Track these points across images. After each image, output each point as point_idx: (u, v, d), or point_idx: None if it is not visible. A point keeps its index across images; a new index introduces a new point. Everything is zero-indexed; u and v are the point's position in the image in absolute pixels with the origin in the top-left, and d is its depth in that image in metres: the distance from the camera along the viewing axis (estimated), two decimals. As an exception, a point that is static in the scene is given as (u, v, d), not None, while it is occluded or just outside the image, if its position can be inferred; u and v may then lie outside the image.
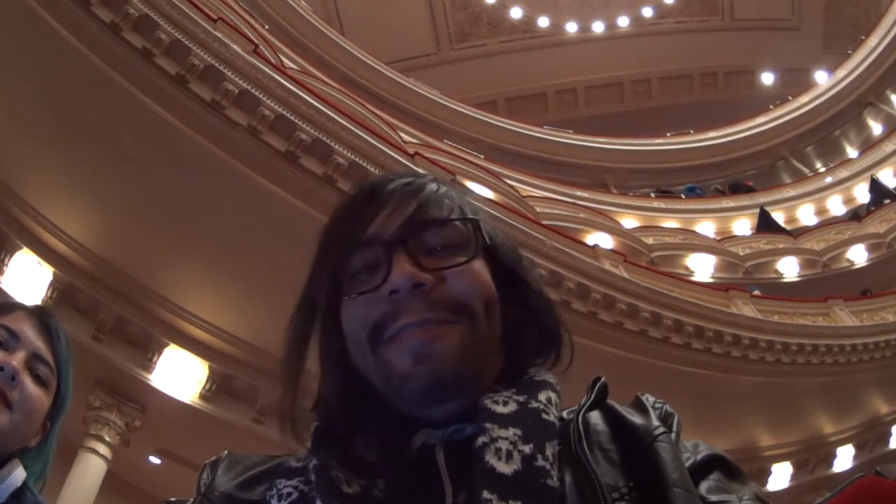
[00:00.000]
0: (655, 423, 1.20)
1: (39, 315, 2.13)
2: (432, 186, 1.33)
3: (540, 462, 1.08)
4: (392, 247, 1.23)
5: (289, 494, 1.17)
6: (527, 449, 1.09)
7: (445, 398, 1.19)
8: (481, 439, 1.11)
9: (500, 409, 1.16)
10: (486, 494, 1.03)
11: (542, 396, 1.20)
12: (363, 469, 1.17)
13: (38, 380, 2.03)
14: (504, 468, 1.07)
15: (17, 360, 1.98)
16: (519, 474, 1.06)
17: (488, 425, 1.13)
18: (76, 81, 9.69)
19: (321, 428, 1.25)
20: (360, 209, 1.30)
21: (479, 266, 1.26)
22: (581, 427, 1.17)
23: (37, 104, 9.93)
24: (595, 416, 1.23)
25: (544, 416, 1.16)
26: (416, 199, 1.29)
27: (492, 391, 1.21)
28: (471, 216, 1.32)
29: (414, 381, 1.17)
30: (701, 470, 1.19)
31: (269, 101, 10.69)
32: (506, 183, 20.79)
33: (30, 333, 2.05)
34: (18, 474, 1.93)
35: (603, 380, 1.29)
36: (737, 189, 28.53)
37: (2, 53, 9.54)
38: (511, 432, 1.11)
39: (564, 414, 1.23)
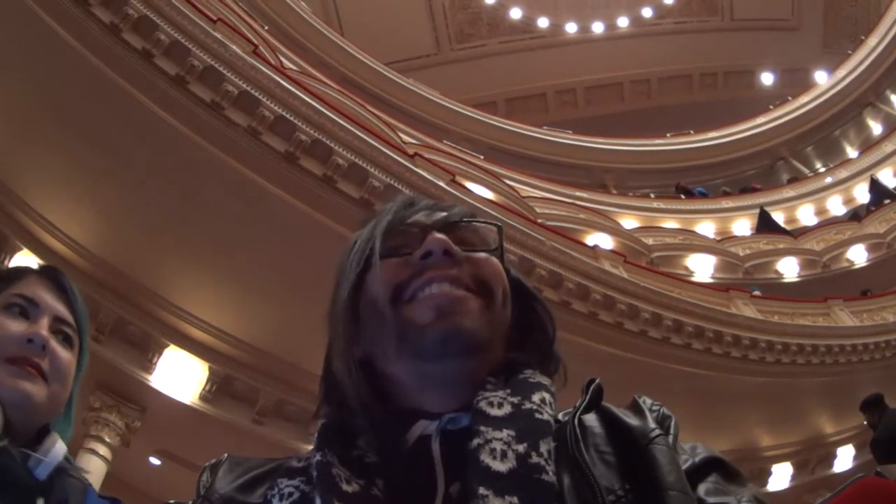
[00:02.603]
0: (652, 425, 1.20)
1: (50, 275, 2.10)
2: (461, 208, 1.41)
3: (535, 459, 1.08)
4: (427, 230, 1.30)
5: (290, 494, 1.18)
6: (521, 448, 1.10)
7: (462, 350, 1.20)
8: (476, 441, 1.11)
9: (495, 411, 1.16)
10: (482, 490, 1.04)
11: (536, 397, 1.20)
12: (363, 469, 1.18)
13: (65, 343, 2.00)
14: (499, 466, 1.07)
15: (42, 327, 1.95)
16: (514, 471, 1.06)
17: (482, 428, 1.13)
18: (75, 82, 9.69)
19: (327, 426, 1.26)
20: (396, 211, 1.36)
21: (499, 264, 1.32)
22: (577, 429, 1.17)
23: (36, 105, 9.92)
24: (591, 419, 1.23)
25: (538, 415, 1.16)
26: (449, 209, 1.37)
27: (485, 389, 1.21)
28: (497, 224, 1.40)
29: (434, 329, 1.20)
30: (699, 472, 1.18)
31: (268, 102, 10.70)
32: (505, 183, 20.82)
33: (47, 297, 2.02)
34: (60, 447, 1.90)
35: (597, 381, 1.28)
36: (745, 192, 28.58)
37: (1, 54, 9.56)
38: (505, 433, 1.12)
39: (560, 416, 1.23)
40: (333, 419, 1.28)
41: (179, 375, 11.70)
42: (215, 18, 11.23)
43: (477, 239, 1.34)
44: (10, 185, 10.56)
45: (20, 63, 9.57)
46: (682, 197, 28.20)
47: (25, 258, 10.74)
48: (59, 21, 9.37)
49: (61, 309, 2.03)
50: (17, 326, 1.93)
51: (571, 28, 36.23)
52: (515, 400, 1.19)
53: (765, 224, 25.18)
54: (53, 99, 9.85)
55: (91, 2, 9.60)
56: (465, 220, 1.35)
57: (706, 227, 25.87)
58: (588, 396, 1.25)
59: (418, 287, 1.24)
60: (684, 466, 1.17)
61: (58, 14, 9.35)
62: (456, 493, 1.12)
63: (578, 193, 25.13)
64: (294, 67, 17.55)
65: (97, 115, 9.90)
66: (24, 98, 9.90)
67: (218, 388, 11.89)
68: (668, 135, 32.05)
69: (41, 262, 10.53)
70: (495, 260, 1.31)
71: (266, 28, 21.01)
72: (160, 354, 11.61)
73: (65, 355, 1.98)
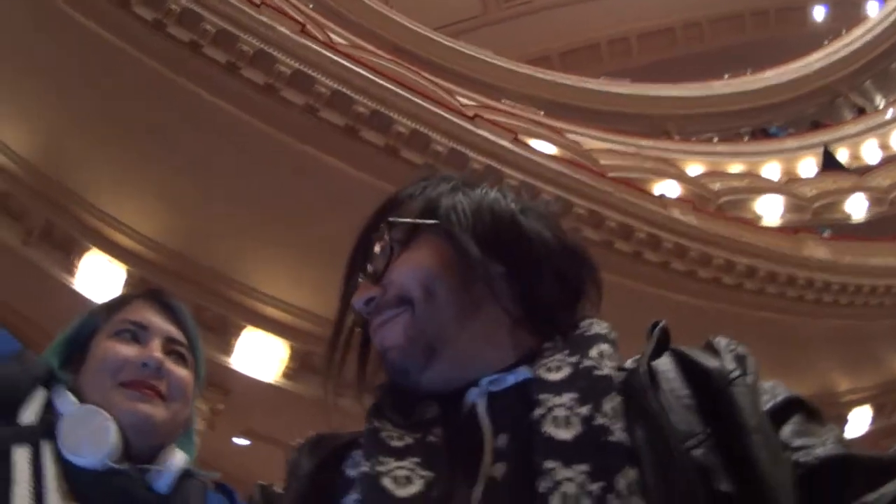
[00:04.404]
0: (730, 365, 1.16)
1: (156, 298, 2.11)
2: (409, 191, 1.42)
3: (600, 420, 1.07)
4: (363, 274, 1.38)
5: (360, 463, 1.19)
6: (584, 410, 1.08)
7: (412, 369, 1.26)
8: (537, 412, 1.11)
9: (553, 375, 1.16)
10: (548, 464, 1.03)
11: (594, 352, 1.19)
12: (420, 425, 1.20)
13: (179, 361, 2.01)
14: (564, 434, 1.06)
15: (155, 349, 1.95)
16: (580, 437, 1.05)
17: (542, 396, 1.13)
18: (128, 82, 9.91)
19: (383, 395, 1.30)
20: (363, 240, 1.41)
21: (413, 253, 1.32)
22: (648, 376, 1.14)
23: (93, 109, 10.15)
24: (664, 363, 1.19)
25: (597, 371, 1.15)
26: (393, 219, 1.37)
27: (544, 355, 1.21)
28: (413, 212, 1.37)
29: (387, 367, 1.30)
30: (780, 413, 1.15)
31: (323, 79, 10.76)
32: (567, 138, 20.69)
33: (156, 319, 2.03)
34: (180, 456, 1.93)
35: (663, 323, 1.27)
36: (815, 127, 28.14)
37: (52, 65, 9.81)
38: (566, 398, 1.11)
39: (629, 363, 1.21)
40: (385, 392, 1.31)
41: (259, 355, 11.86)
42: (259, 2, 11.26)
43: (391, 244, 1.34)
44: (72, 188, 10.75)
45: (75, 72, 9.86)
46: (746, 139, 27.91)
47: (95, 257, 10.93)
48: (104, 26, 9.62)
49: (171, 329, 2.04)
50: (129, 351, 1.93)
51: (619, -25, 35.74)
52: (574, 359, 1.18)
53: (828, 163, 24.82)
54: (109, 101, 10.05)
55: (132, 2, 9.75)
56: (377, 239, 1.37)
57: (772, 168, 25.61)
58: (655, 340, 1.23)
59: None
60: (765, 408, 1.14)
61: (101, 19, 9.62)
62: (504, 444, 1.13)
63: (642, 142, 24.95)
64: (344, 42, 17.57)
65: (152, 110, 10.10)
66: (81, 105, 10.14)
67: (300, 365, 11.99)
68: (726, 76, 31.61)
69: (111, 259, 10.76)
70: (406, 258, 1.32)
71: (311, 6, 21.00)
72: (238, 336, 11.76)
73: (181, 373, 1.99)
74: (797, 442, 1.12)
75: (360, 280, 1.35)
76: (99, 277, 10.86)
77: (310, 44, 11.13)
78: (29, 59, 9.88)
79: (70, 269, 10.84)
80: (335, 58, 11.17)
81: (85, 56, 9.81)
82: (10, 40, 9.74)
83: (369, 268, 1.34)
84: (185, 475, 1.92)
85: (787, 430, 1.13)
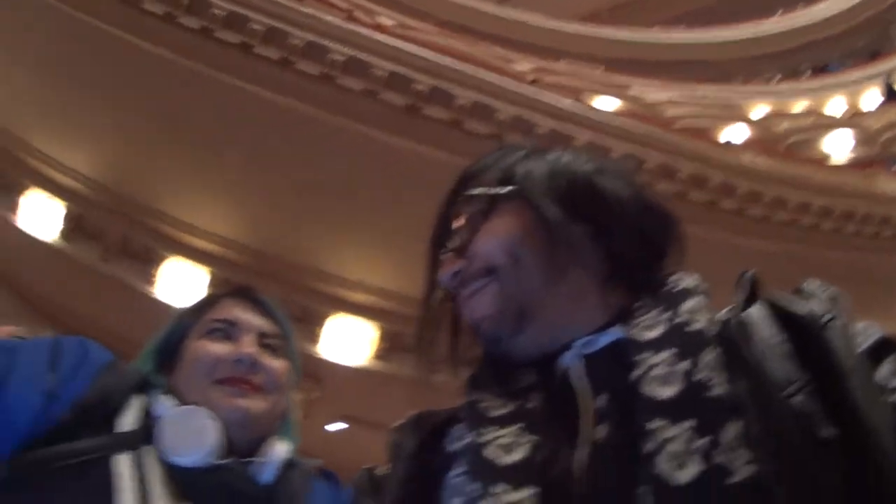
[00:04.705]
0: (822, 309, 1.14)
1: (243, 294, 2.12)
2: (483, 164, 1.43)
3: (699, 375, 1.07)
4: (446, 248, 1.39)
5: (461, 437, 1.21)
6: (683, 366, 1.08)
7: (503, 341, 1.27)
8: (636, 372, 1.11)
9: (648, 334, 1.16)
10: (651, 424, 1.04)
11: (685, 307, 1.19)
12: (518, 393, 1.22)
13: (272, 353, 2.01)
14: (665, 392, 1.06)
15: (247, 345, 1.96)
16: (681, 394, 1.06)
17: (638, 357, 1.13)
18: (184, 92, 10.11)
19: (479, 367, 1.33)
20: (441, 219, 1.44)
21: (494, 223, 1.33)
22: (741, 326, 1.13)
23: (151, 119, 10.42)
24: (756, 312, 1.16)
25: (690, 327, 1.15)
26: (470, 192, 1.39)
27: (634, 316, 1.22)
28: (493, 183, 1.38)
29: (479, 338, 1.33)
30: (875, 354, 1.13)
31: (378, 62, 10.76)
32: (629, 93, 20.50)
33: (245, 315, 2.04)
34: (281, 447, 1.93)
35: (752, 272, 1.26)
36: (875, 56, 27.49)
37: (106, 82, 10.18)
38: (664, 355, 1.11)
39: (722, 314, 1.19)
40: (480, 364, 1.34)
41: (349, 340, 12.00)
42: (301, -5, 11.32)
43: (472, 217, 1.36)
44: (144, 201, 11.05)
45: (128, 87, 10.15)
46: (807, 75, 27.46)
47: (175, 264, 11.15)
48: (152, 41, 9.89)
49: (262, 322, 2.05)
50: (222, 349, 1.95)
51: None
52: (667, 316, 1.18)
53: (891, 93, 24.26)
54: (166, 110, 10.32)
55: (175, 14, 9.95)
56: (456, 214, 1.39)
57: (837, 103, 25.04)
58: (746, 290, 1.22)
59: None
60: (860, 349, 1.12)
61: (149, 35, 9.87)
62: (603, 405, 1.14)
63: (703, 90, 24.59)
64: (393, 22, 17.56)
65: (210, 113, 10.29)
66: (139, 119, 10.43)
67: (391, 346, 12.05)
68: (780, 11, 31.03)
69: (192, 264, 10.95)
70: (487, 228, 1.33)
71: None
72: (322, 325, 11.90)
73: (275, 364, 2.00)
74: (894, 382, 1.11)
75: (443, 255, 1.36)
76: (181, 283, 11.08)
77: (359, 29, 11.17)
78: (84, 82, 10.12)
79: (149, 279, 11.06)
80: (386, 40, 11.19)
81: (136, 70, 10.01)
82: (67, 67, 10.02)
83: (452, 242, 1.35)
84: (289, 465, 1.93)
85: (883, 371, 1.12)
